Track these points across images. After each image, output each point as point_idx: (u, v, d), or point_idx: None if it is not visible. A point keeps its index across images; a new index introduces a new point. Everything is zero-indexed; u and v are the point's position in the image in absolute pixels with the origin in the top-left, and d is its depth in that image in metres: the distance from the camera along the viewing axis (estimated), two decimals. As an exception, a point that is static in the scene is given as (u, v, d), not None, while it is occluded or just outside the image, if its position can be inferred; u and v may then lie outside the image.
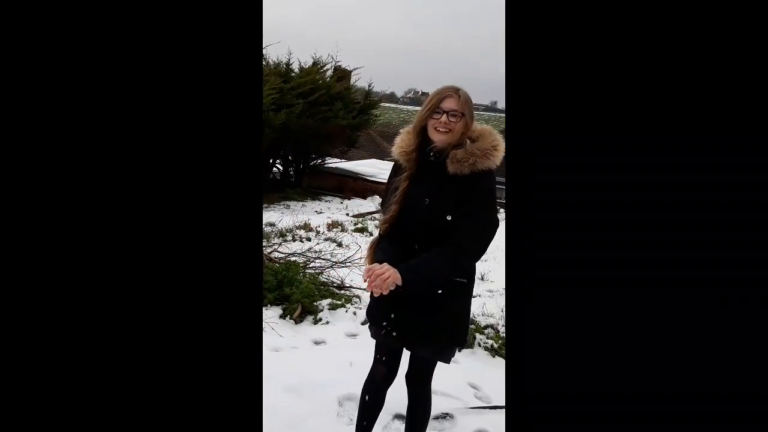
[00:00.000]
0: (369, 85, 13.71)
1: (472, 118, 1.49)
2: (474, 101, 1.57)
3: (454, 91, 1.47)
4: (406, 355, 1.67)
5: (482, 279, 5.36)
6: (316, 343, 2.94)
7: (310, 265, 4.31)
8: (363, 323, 3.17)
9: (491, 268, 5.79)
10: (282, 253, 4.56)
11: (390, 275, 1.33)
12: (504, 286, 5.17)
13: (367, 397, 1.74)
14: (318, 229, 6.44)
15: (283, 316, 3.18)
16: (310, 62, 12.12)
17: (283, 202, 9.14)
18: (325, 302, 3.39)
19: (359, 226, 6.84)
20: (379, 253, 1.49)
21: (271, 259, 4.12)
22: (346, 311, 3.34)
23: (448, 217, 1.44)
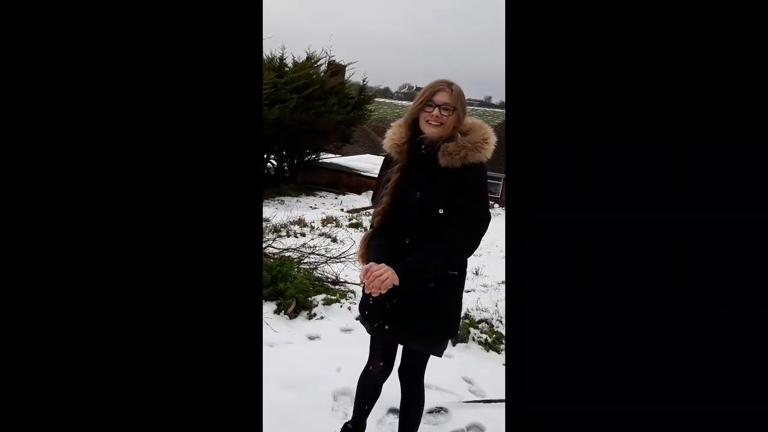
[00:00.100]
0: (363, 80, 13.65)
1: (464, 113, 1.49)
2: (469, 96, 1.57)
3: (447, 85, 1.47)
4: (399, 349, 1.68)
5: (477, 274, 5.39)
6: (311, 338, 2.95)
7: (305, 261, 4.31)
8: (358, 318, 3.18)
9: (485, 263, 5.81)
10: (276, 248, 4.56)
11: (388, 276, 1.33)
12: (498, 281, 5.20)
13: (363, 390, 1.75)
14: (312, 224, 6.44)
15: (277, 312, 3.18)
16: (303, 57, 12.05)
17: (277, 198, 9.12)
18: (319, 297, 3.40)
19: (354, 221, 6.83)
20: (372, 250, 1.48)
21: (265, 255, 4.11)
22: (341, 306, 3.35)
23: (440, 211, 1.44)
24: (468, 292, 4.53)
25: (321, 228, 6.32)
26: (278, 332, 2.89)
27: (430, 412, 2.21)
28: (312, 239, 5.46)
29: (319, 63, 12.23)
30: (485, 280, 5.20)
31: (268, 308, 3.17)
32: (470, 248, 1.46)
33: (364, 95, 13.38)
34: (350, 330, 3.07)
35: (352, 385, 1.78)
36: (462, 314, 1.85)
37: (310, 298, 3.35)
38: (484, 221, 1.47)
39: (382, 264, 1.36)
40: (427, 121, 1.46)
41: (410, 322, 1.51)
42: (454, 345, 2.99)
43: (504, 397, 2.38)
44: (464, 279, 1.58)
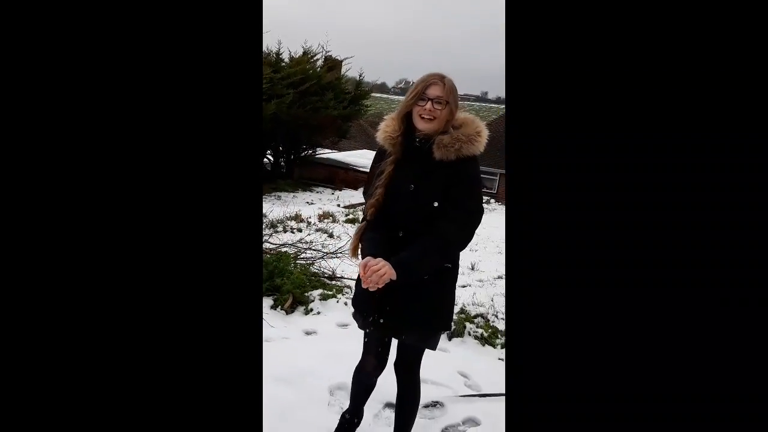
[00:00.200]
0: (360, 75, 13.60)
1: (457, 106, 1.49)
2: (465, 91, 1.60)
3: (440, 78, 1.46)
4: (394, 344, 1.68)
5: (472, 269, 5.41)
6: (307, 333, 2.95)
7: (301, 256, 4.31)
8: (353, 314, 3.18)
9: (481, 258, 5.83)
10: (273, 244, 4.56)
11: (386, 271, 1.33)
12: (494, 276, 5.22)
13: (357, 386, 1.76)
14: (309, 219, 6.44)
15: (274, 307, 3.18)
16: (300, 52, 12.00)
17: (274, 193, 9.11)
18: (316, 293, 3.40)
19: (350, 216, 6.84)
20: (368, 244, 1.49)
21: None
22: (337, 302, 3.35)
23: (435, 204, 1.44)
24: (464, 287, 4.55)
25: (318, 223, 6.32)
26: (275, 327, 2.90)
27: (426, 406, 2.22)
28: (309, 235, 5.47)
29: (315, 58, 12.19)
30: (481, 275, 5.22)
31: (265, 304, 3.17)
32: (464, 242, 1.47)
33: (360, 90, 13.34)
34: (347, 325, 3.07)
35: (349, 380, 1.79)
36: (458, 309, 1.86)
37: (306, 294, 3.35)
38: (478, 214, 1.48)
39: (380, 259, 1.36)
40: (420, 115, 1.46)
41: (405, 316, 1.51)
42: (449, 339, 3.00)
43: (499, 392, 2.40)
44: (457, 271, 1.59)
